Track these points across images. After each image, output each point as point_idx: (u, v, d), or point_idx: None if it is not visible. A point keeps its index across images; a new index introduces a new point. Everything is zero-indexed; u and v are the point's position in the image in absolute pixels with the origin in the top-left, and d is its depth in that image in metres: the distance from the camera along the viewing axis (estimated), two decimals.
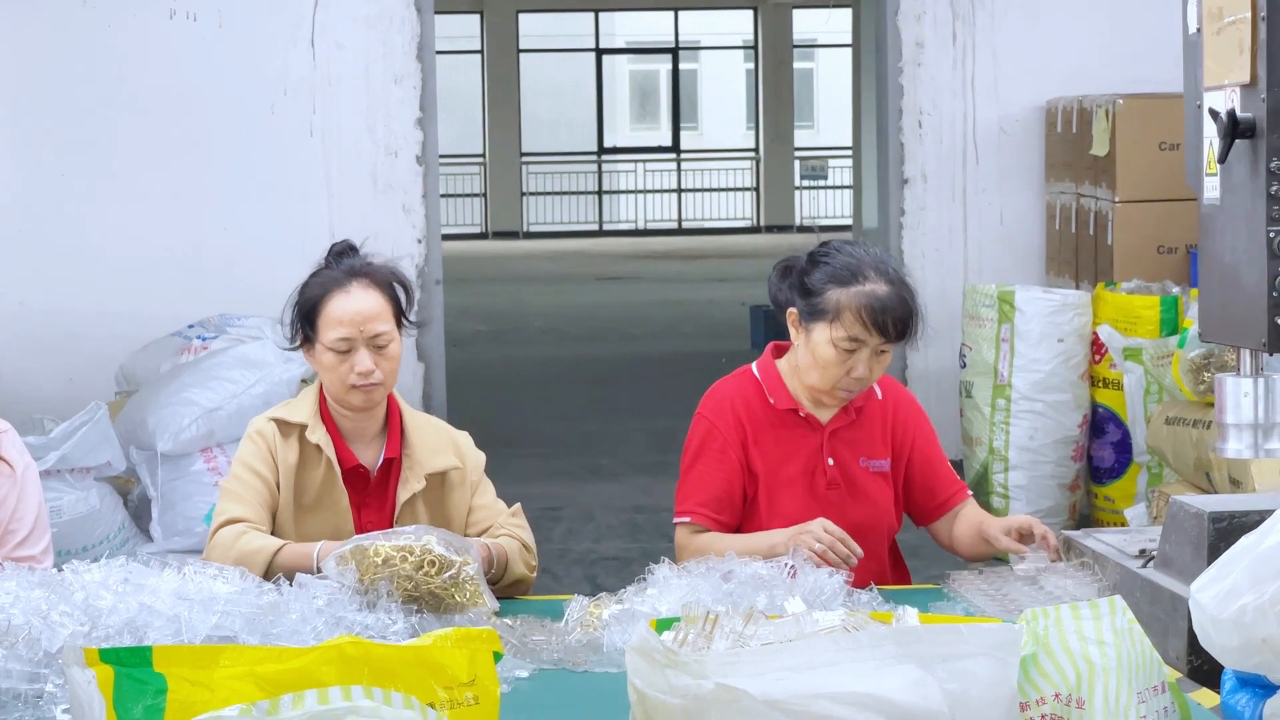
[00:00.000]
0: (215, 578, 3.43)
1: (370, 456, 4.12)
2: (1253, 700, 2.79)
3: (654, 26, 29.17)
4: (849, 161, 17.78)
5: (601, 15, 28.70)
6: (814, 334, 4.18)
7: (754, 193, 28.23)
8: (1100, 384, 7.83)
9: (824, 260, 4.20)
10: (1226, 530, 3.55)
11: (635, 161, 28.98)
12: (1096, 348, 7.82)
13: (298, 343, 4.14)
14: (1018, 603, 3.79)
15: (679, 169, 28.84)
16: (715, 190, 28.58)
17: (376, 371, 4.03)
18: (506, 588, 3.94)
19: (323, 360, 4.07)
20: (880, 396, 4.34)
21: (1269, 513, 2.89)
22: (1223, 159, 3.55)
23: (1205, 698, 3.14)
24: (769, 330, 11.43)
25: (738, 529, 4.25)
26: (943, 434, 4.55)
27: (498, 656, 2.59)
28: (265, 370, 7.04)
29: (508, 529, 4.08)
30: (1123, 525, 7.03)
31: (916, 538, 4.69)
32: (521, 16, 27.29)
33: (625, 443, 10.42)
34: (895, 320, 4.14)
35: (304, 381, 6.92)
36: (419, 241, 8.50)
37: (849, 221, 18.40)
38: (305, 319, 4.09)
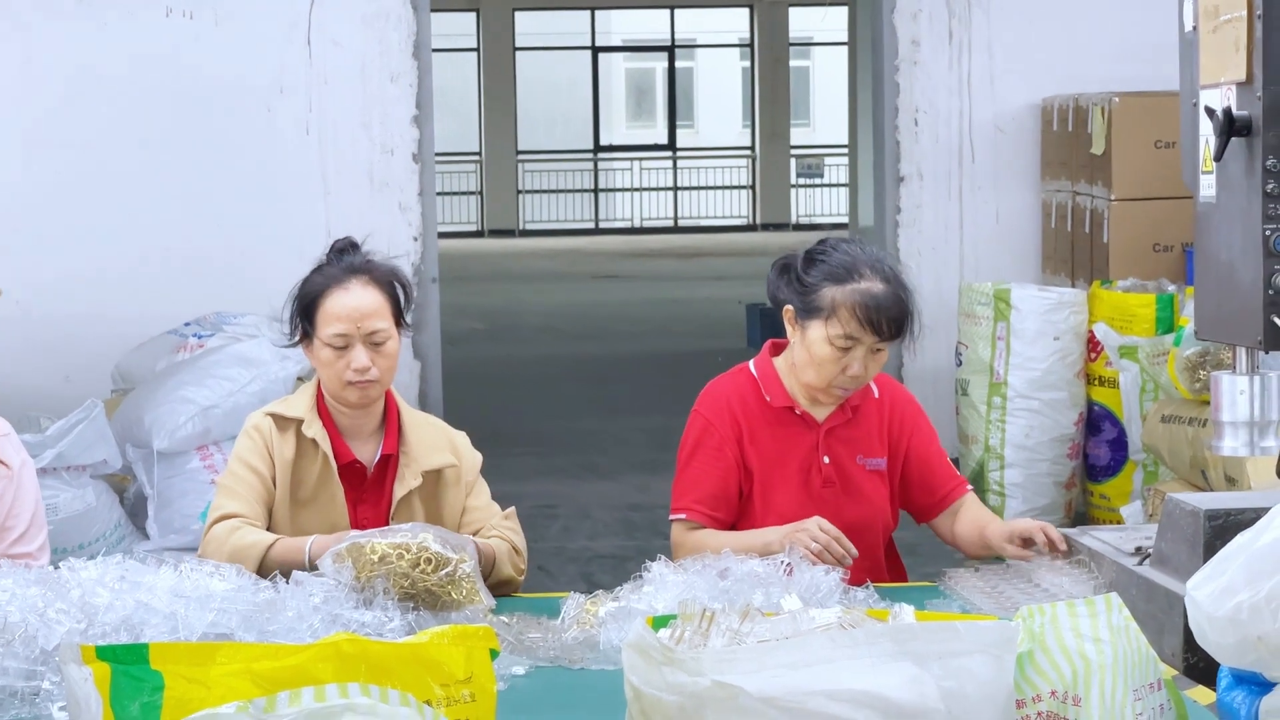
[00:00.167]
0: (212, 575, 3.43)
1: (367, 453, 4.13)
2: (1249, 697, 2.80)
3: (650, 24, 29.17)
4: (845, 159, 17.77)
5: (598, 13, 28.70)
6: (809, 331, 4.18)
7: (750, 191, 28.23)
8: (1096, 382, 7.84)
9: (821, 258, 4.20)
10: (1222, 528, 3.55)
11: (631, 159, 28.98)
12: (1092, 346, 7.82)
13: (296, 338, 4.15)
14: (1014, 600, 3.80)
15: (675, 167, 28.85)
16: (711, 188, 28.58)
17: (373, 369, 4.04)
18: (492, 588, 3.95)
19: (320, 356, 4.08)
20: (877, 395, 4.34)
21: (1264, 510, 2.89)
22: (1218, 157, 3.55)
23: (1201, 695, 3.15)
24: (765, 329, 11.44)
25: (733, 526, 4.25)
26: (939, 432, 4.55)
27: (494, 654, 2.59)
28: (261, 368, 7.03)
29: (499, 531, 4.09)
30: (1119, 523, 7.03)
31: (913, 536, 4.70)
32: (518, 14, 27.29)
33: (621, 441, 10.42)
34: (890, 319, 4.15)
35: (300, 379, 6.92)
36: (415, 239, 8.49)
37: (845, 219, 18.40)
38: (304, 314, 4.11)
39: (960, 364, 8.11)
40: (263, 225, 8.39)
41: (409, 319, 4.17)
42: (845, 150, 16.03)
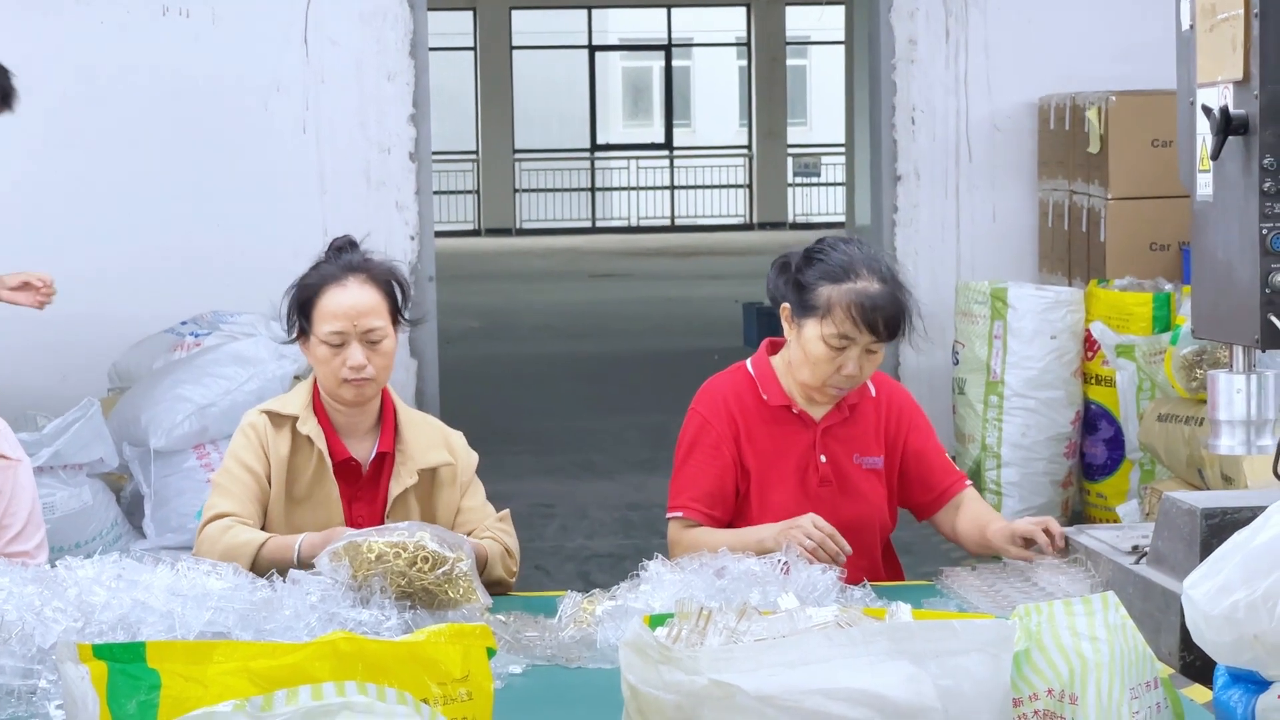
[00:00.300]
0: (208, 574, 3.43)
1: (363, 451, 4.13)
2: (1245, 696, 2.80)
3: (647, 23, 29.17)
4: (842, 158, 17.74)
5: (595, 12, 28.69)
6: (805, 330, 4.18)
7: (747, 190, 28.23)
8: (1093, 381, 7.84)
9: (819, 257, 4.21)
10: (1219, 527, 3.55)
11: (628, 158, 28.98)
12: (1089, 344, 7.82)
13: (293, 335, 4.15)
14: (1011, 599, 3.80)
15: (672, 166, 28.85)
16: (708, 187, 28.59)
17: (369, 366, 4.04)
18: (484, 587, 3.95)
19: (316, 353, 4.09)
20: (874, 394, 4.34)
21: (1261, 509, 2.89)
22: (1215, 156, 3.55)
23: (1198, 694, 3.14)
24: (762, 327, 11.44)
25: (730, 524, 4.25)
26: (935, 431, 4.54)
27: (491, 653, 2.59)
28: (258, 367, 7.03)
29: (492, 532, 4.09)
30: (1115, 522, 7.03)
31: (910, 534, 4.70)
32: (515, 13, 27.29)
33: (618, 439, 10.42)
34: (886, 319, 4.15)
35: (297, 378, 6.92)
36: (412, 238, 8.48)
37: (842, 218, 18.40)
38: (301, 311, 4.11)
39: (957, 363, 8.11)
40: (260, 224, 8.38)
41: (408, 316, 4.17)
42: (842, 149, 16.02)
